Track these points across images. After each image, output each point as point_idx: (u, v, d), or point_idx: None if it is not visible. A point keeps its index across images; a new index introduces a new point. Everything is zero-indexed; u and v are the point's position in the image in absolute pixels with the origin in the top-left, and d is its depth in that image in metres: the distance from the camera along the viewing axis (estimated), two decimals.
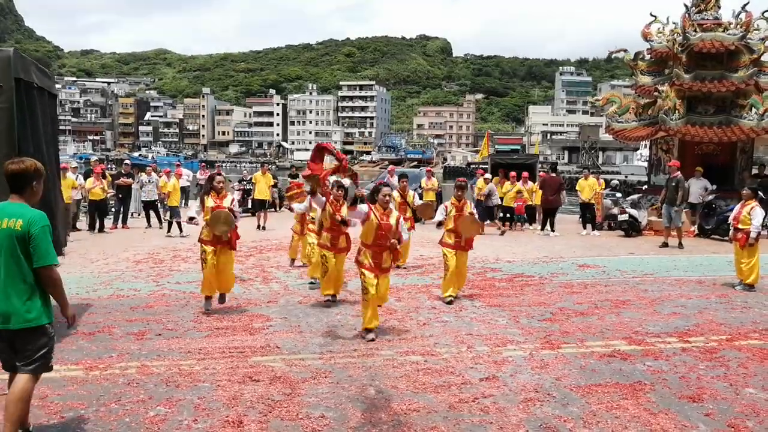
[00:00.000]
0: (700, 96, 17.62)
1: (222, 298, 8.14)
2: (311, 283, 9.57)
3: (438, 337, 6.96)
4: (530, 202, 17.92)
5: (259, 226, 17.18)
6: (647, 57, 19.23)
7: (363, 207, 7.01)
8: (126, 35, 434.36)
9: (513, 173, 18.14)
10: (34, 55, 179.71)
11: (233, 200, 8.16)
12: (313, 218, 9.48)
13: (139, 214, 19.88)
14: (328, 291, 8.42)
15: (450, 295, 8.63)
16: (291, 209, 10.80)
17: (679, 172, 14.88)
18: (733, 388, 5.51)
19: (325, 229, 8.34)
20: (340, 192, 8.51)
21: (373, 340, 6.74)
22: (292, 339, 6.88)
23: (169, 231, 15.94)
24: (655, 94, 18.30)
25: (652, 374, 5.83)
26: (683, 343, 6.87)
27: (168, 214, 16.29)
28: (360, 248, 7.11)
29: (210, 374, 5.70)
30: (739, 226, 9.71)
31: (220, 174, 8.27)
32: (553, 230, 16.77)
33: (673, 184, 14.68)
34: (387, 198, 7.04)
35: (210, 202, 7.93)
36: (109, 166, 30.39)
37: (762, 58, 17.46)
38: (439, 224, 9.17)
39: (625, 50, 19.13)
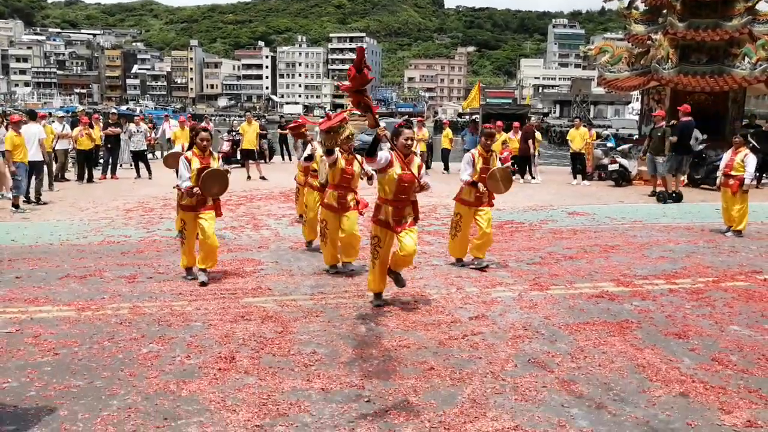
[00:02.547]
0: (694, 45, 17.44)
1: (202, 275, 6.84)
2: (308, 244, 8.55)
3: (428, 279, 7.01)
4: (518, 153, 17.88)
5: (248, 177, 17.09)
6: (641, 5, 18.97)
7: (384, 154, 5.72)
8: None
9: (500, 123, 18.12)
10: (17, 5, 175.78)
11: (220, 159, 7.14)
12: (315, 170, 8.21)
13: (130, 165, 19.70)
14: (331, 262, 7.36)
15: (462, 258, 7.63)
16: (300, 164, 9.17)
17: (664, 122, 14.86)
18: (718, 325, 5.60)
19: (332, 186, 7.13)
20: (350, 143, 7.09)
21: (380, 306, 6.01)
22: (284, 281, 6.92)
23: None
24: (648, 43, 18.11)
25: (639, 313, 5.92)
26: (670, 284, 6.96)
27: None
28: (378, 204, 5.98)
29: (202, 314, 5.74)
30: (732, 172, 9.75)
31: (206, 129, 7.30)
32: (533, 177, 17.64)
33: (659, 134, 14.65)
34: (409, 142, 5.91)
35: (196, 163, 6.76)
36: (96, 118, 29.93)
37: (757, 7, 17.25)
38: (472, 183, 7.44)
39: None
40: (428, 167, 19.15)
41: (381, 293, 6.16)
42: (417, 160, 6.01)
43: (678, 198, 13.62)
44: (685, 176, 16.45)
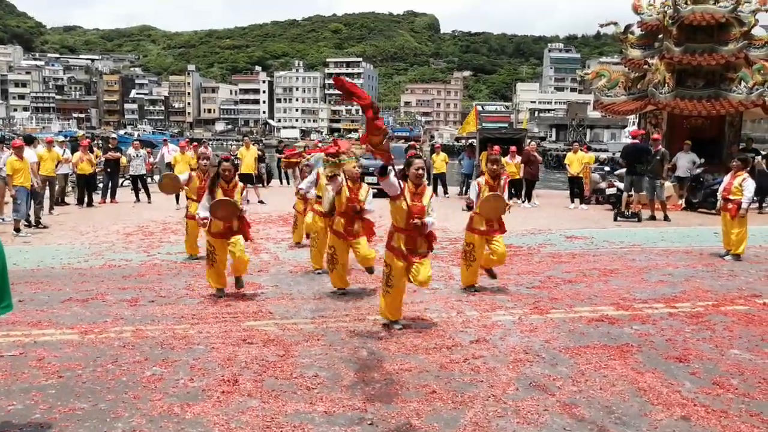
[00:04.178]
0: (690, 69, 17.68)
1: (239, 283, 7.38)
2: (318, 273, 8.44)
3: (428, 303, 7.04)
4: (518, 177, 17.96)
5: (247, 201, 17.08)
6: (637, 30, 19.23)
7: (396, 181, 5.73)
8: (109, 10, 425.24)
9: (497, 148, 18.20)
10: (16, 31, 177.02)
11: (244, 189, 7.50)
12: (319, 197, 8.38)
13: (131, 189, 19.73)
14: (339, 285, 7.43)
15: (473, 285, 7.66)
16: (299, 192, 9.59)
17: (661, 146, 15.09)
18: (719, 349, 5.63)
19: (339, 213, 7.26)
20: (357, 171, 7.25)
21: (401, 328, 6.03)
22: (284, 305, 6.95)
23: (178, 203, 15.46)
24: (645, 67, 18.35)
25: (639, 337, 5.95)
26: (670, 308, 6.99)
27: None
28: (391, 232, 6.06)
29: (204, 337, 5.75)
30: (730, 197, 9.83)
31: (228, 159, 7.52)
32: (523, 201, 17.71)
33: (658, 157, 14.81)
34: (421, 172, 5.90)
35: (220, 194, 7.12)
36: (96, 141, 30.01)
37: (752, 31, 17.52)
38: (470, 207, 7.65)
39: (615, 23, 19.06)
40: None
41: (398, 320, 6.12)
42: (429, 191, 6.08)
43: (637, 218, 14.40)
44: (683, 200, 16.58)
